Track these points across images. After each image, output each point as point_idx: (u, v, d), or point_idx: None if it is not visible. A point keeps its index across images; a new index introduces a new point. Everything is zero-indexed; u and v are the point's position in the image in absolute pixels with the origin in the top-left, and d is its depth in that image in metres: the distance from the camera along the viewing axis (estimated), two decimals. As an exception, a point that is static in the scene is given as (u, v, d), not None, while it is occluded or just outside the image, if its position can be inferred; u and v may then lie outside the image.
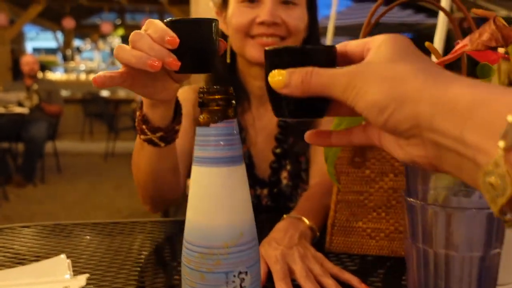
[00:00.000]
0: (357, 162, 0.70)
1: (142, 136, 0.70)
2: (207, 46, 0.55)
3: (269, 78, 0.38)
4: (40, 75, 5.71)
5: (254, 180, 1.04)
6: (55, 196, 4.14)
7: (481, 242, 0.41)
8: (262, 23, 0.91)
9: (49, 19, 9.54)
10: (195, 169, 0.41)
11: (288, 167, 1.03)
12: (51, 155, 4.94)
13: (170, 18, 0.56)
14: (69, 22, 8.42)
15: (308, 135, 0.42)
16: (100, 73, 0.56)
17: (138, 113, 0.70)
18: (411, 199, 0.44)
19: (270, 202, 1.04)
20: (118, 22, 10.40)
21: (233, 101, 0.41)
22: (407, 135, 0.33)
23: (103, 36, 10.27)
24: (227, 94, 0.40)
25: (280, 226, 0.73)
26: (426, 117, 0.31)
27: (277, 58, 0.39)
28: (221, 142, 0.40)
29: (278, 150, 1.03)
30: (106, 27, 9.10)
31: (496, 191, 0.27)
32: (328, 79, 0.35)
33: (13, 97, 4.54)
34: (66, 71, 9.29)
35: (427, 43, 0.55)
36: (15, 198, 4.01)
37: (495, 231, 0.42)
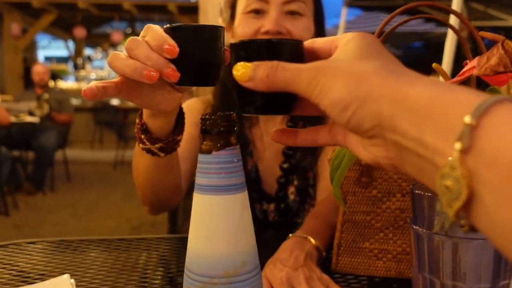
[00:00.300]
0: (364, 182, 0.70)
1: (141, 145, 0.67)
2: (210, 56, 0.49)
3: (234, 71, 0.37)
4: (51, 84, 5.77)
5: (260, 195, 1.03)
6: (64, 205, 4.16)
7: (490, 273, 0.40)
8: (266, 33, 0.91)
9: (61, 28, 9.66)
10: (197, 197, 0.40)
11: (296, 182, 1.02)
12: (61, 163, 4.98)
13: (170, 24, 0.50)
14: (80, 31, 8.52)
15: (274, 134, 0.41)
16: (92, 83, 0.50)
17: (137, 121, 0.66)
18: (418, 228, 0.43)
19: (277, 218, 1.03)
20: (129, 31, 10.49)
21: (236, 128, 0.41)
22: (369, 134, 0.32)
23: (114, 45, 10.36)
24: (229, 121, 0.40)
25: (285, 245, 0.73)
26: (387, 116, 0.30)
27: (243, 51, 0.38)
28: (223, 170, 0.39)
29: (285, 165, 1.02)
30: (116, 36, 9.19)
31: (452, 195, 0.26)
32: (293, 74, 0.35)
33: (24, 106, 4.59)
34: (77, 79, 9.38)
35: (434, 65, 0.54)
36: (25, 207, 4.04)
37: (504, 261, 0.41)
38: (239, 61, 0.37)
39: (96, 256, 0.80)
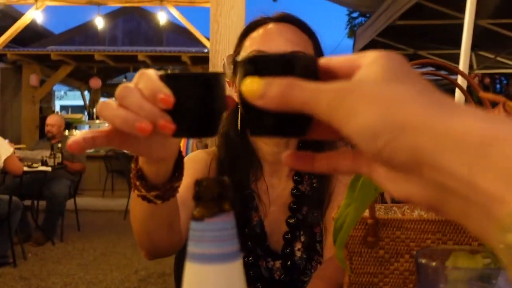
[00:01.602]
0: (370, 242, 0.67)
1: (136, 192, 0.63)
2: (208, 106, 0.45)
3: (243, 87, 0.33)
4: (66, 133, 5.87)
5: (266, 252, 1.00)
6: (73, 255, 4.11)
7: None
8: None
9: (77, 78, 9.95)
10: (188, 266, 0.38)
11: (303, 238, 1.00)
12: (72, 212, 4.97)
13: (165, 71, 0.46)
14: (96, 82, 8.76)
15: (286, 158, 0.36)
16: (79, 135, 0.46)
17: (132, 166, 0.62)
18: (423, 299, 0.40)
19: (283, 276, 0.99)
20: (143, 81, 10.74)
21: (230, 193, 0.39)
22: (403, 169, 0.28)
23: (128, 95, 10.59)
24: (223, 187, 0.39)
25: (289, 309, 0.69)
26: (428, 151, 0.26)
27: (251, 66, 0.34)
28: (216, 238, 0.38)
29: (292, 220, 1.00)
30: (131, 86, 9.39)
31: None
32: (312, 94, 0.31)
33: (38, 155, 4.65)
34: (92, 128, 9.54)
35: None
36: (33, 257, 4.00)
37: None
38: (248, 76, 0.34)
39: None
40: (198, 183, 0.39)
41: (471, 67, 4.91)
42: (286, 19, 0.99)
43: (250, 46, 0.97)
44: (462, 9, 3.11)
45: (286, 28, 0.97)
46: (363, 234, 0.68)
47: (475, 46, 4.84)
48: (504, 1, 4.10)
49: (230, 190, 0.39)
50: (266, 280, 0.99)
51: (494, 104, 0.46)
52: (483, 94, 0.46)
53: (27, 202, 4.40)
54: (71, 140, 0.45)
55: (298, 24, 0.99)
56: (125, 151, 7.28)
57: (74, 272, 3.61)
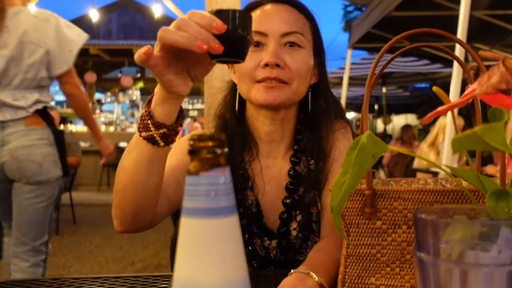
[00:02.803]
0: (368, 213, 0.66)
1: (143, 134, 0.73)
2: (245, 36, 0.63)
3: None
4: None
5: (262, 231, 1.00)
6: (68, 248, 4.10)
7: (503, 304, 0.37)
8: (266, 65, 0.91)
9: (72, 73, 9.87)
10: (184, 221, 0.38)
11: (299, 218, 0.99)
12: (67, 206, 4.95)
13: (213, 9, 0.64)
14: (91, 76, 8.71)
15: None
16: (146, 47, 0.63)
17: (144, 109, 0.74)
18: (422, 254, 0.40)
19: (279, 255, 0.99)
20: (138, 75, 10.71)
21: (226, 149, 0.39)
22: None
23: (124, 89, 10.55)
24: (219, 141, 0.38)
25: (286, 282, 0.69)
26: None
27: None
28: (212, 192, 0.37)
29: (288, 201, 1.00)
30: (126, 81, 9.37)
31: None
32: None
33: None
34: (86, 123, 9.49)
35: (434, 88, 0.53)
36: (29, 250, 3.98)
37: (518, 291, 0.37)
38: None
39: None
40: (194, 138, 0.38)
41: (466, 59, 4.91)
42: (284, 0, 0.98)
43: None
44: (458, 0, 3.11)
45: (283, 9, 0.96)
46: (360, 206, 0.67)
47: (471, 38, 4.84)
48: (499, -8, 4.10)
49: (226, 145, 0.39)
50: (262, 258, 0.98)
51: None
52: (483, 53, 0.45)
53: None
54: (144, 48, 0.63)
55: (296, 5, 0.98)
56: (120, 146, 7.26)
57: (70, 264, 3.60)
